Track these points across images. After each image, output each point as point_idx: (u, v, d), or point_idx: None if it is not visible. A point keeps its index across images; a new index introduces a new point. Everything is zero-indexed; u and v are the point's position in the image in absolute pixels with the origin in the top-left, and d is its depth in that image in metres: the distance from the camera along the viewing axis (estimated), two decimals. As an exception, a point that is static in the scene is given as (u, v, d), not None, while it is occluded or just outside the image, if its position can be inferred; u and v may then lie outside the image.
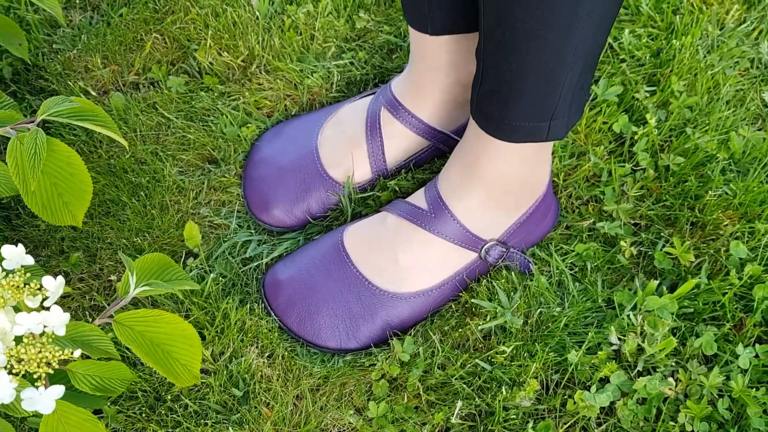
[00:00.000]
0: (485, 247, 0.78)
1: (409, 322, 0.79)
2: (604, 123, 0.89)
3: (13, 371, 0.48)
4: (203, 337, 0.79)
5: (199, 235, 0.85)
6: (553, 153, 0.87)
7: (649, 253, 0.82)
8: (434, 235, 0.77)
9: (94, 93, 0.97)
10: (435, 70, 0.81)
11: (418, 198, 0.80)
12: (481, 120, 0.70)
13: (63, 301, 0.82)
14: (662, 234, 0.83)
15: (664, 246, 0.81)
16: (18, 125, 0.63)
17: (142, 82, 0.99)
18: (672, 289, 0.79)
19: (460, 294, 0.80)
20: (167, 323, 0.54)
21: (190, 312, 0.79)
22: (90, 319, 0.81)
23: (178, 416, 0.74)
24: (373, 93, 0.90)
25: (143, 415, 0.74)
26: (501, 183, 0.75)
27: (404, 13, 0.79)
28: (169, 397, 0.75)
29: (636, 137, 0.87)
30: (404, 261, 0.78)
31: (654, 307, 0.76)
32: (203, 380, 0.76)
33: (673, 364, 0.75)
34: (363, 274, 0.79)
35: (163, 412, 0.74)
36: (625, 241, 0.82)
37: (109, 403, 0.75)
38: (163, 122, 0.94)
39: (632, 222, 0.84)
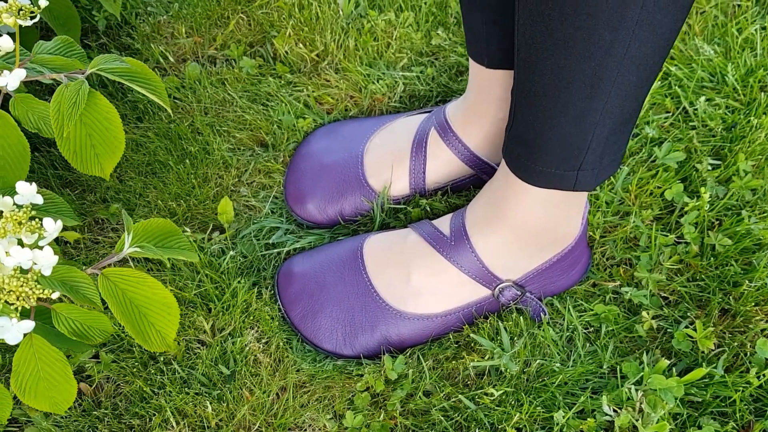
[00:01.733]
0: (500, 286, 0.77)
1: (407, 342, 0.79)
2: (657, 188, 0.86)
3: (-8, 298, 0.51)
4: (209, 310, 0.81)
5: (232, 212, 0.88)
6: (597, 206, 0.84)
7: (670, 330, 0.78)
8: (450, 263, 0.76)
9: (172, 59, 1.01)
10: (488, 102, 0.80)
11: (443, 223, 0.79)
12: (509, 160, 0.69)
13: (94, 246, 0.87)
14: (689, 314, 0.78)
15: (686, 327, 0.77)
16: (71, 74, 0.67)
17: (219, 57, 1.03)
18: (684, 373, 0.75)
19: (464, 326, 0.79)
20: (149, 287, 0.56)
21: (202, 283, 0.82)
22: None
23: (166, 379, 0.76)
24: (430, 112, 0.90)
25: (135, 369, 0.77)
26: (525, 226, 0.73)
27: (465, 41, 0.78)
28: (162, 359, 0.78)
29: (686, 209, 0.83)
30: (415, 281, 0.78)
31: (658, 386, 0.72)
32: (196, 351, 0.78)
33: (665, 450, 0.71)
34: (373, 285, 0.79)
35: (153, 371, 0.77)
36: (648, 313, 0.78)
37: (106, 351, 0.78)
38: (228, 99, 0.97)
39: (661, 294, 0.80)
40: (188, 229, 0.86)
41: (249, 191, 0.91)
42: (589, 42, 0.55)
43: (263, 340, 0.79)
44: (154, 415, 0.75)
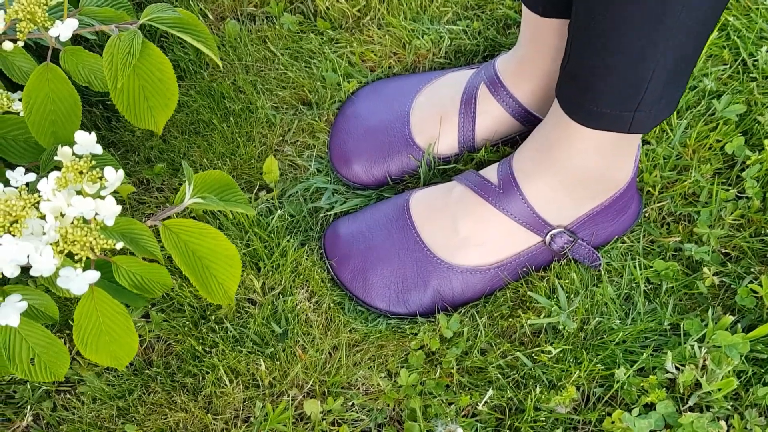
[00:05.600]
0: (551, 232, 0.75)
1: (460, 298, 0.77)
2: (717, 141, 0.83)
3: (57, 249, 0.50)
4: (258, 269, 0.80)
5: (277, 171, 0.86)
6: (654, 162, 0.82)
7: (733, 286, 0.75)
8: (499, 211, 0.75)
9: (211, 17, 0.99)
10: (542, 54, 0.78)
11: (490, 172, 0.77)
12: (563, 101, 0.67)
13: (139, 207, 0.86)
14: (752, 270, 0.76)
15: (750, 282, 0.75)
16: (122, 25, 0.65)
17: (259, 14, 1.00)
18: (749, 329, 0.73)
19: (519, 281, 0.77)
20: (212, 239, 0.55)
21: (251, 242, 0.81)
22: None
23: (218, 337, 0.76)
24: (477, 67, 0.88)
25: (186, 329, 0.77)
26: (576, 172, 0.71)
27: None
28: (213, 318, 0.77)
29: (748, 162, 0.80)
30: (463, 231, 0.76)
31: (723, 343, 0.70)
32: (247, 310, 0.77)
33: (730, 407, 0.69)
34: (422, 240, 0.77)
35: (204, 330, 0.76)
36: (709, 269, 0.76)
37: (156, 311, 0.78)
38: (269, 57, 0.95)
39: (722, 250, 0.78)
40: (234, 188, 0.85)
41: (293, 150, 0.89)
42: None
43: (314, 300, 0.78)
44: (207, 373, 0.74)
